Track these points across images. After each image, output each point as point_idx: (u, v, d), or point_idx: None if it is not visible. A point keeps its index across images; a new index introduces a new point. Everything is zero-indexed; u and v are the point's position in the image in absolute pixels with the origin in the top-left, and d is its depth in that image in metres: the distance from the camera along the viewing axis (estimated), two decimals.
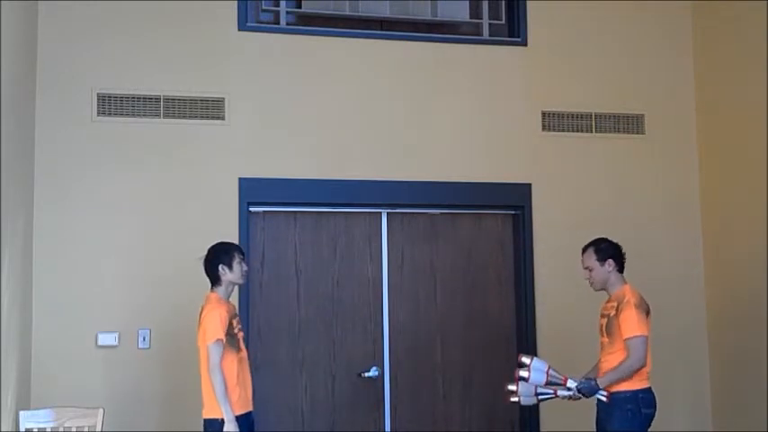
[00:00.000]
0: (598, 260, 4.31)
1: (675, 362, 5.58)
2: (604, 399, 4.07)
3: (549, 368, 4.09)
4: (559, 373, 4.11)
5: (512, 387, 4.10)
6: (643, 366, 4.12)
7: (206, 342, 4.01)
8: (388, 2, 5.58)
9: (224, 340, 4.02)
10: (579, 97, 5.75)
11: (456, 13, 5.72)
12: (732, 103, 5.60)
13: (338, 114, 5.41)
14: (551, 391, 4.11)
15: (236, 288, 4.55)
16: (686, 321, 5.71)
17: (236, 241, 4.79)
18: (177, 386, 4.91)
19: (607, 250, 4.32)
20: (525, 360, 4.10)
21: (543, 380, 4.07)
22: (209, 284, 4.21)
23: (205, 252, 4.24)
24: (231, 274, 4.19)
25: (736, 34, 5.57)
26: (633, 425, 4.10)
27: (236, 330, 4.12)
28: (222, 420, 3.98)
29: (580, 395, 4.11)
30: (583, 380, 4.11)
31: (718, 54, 5.75)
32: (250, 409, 4.17)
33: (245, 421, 4.09)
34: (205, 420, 4.07)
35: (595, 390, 4.07)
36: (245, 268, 4.27)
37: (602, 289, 4.36)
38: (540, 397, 4.12)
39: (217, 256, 4.20)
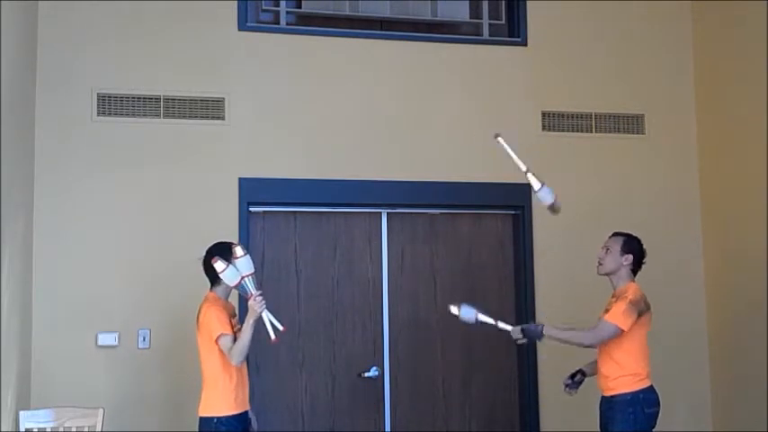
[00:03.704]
0: (621, 249, 4.30)
1: (675, 362, 5.58)
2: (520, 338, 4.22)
3: (476, 314, 4.27)
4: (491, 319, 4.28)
5: (453, 309, 4.26)
6: (591, 346, 4.17)
7: (213, 341, 4.03)
8: (388, 2, 5.58)
9: (229, 333, 4.02)
10: (579, 97, 5.75)
11: (456, 13, 5.72)
12: (732, 103, 5.60)
13: (338, 114, 5.41)
14: (492, 320, 4.27)
15: None
16: (686, 321, 5.71)
17: (235, 241, 4.79)
18: (177, 386, 4.91)
19: (634, 247, 4.32)
20: (453, 310, 4.28)
21: (473, 318, 4.25)
22: (209, 284, 4.23)
23: (204, 252, 4.24)
24: None
25: (736, 34, 5.57)
26: (637, 426, 4.09)
27: (234, 330, 4.13)
28: (216, 419, 4.01)
29: (523, 337, 4.22)
30: (532, 325, 4.24)
31: (718, 54, 5.75)
32: (247, 408, 4.18)
33: (241, 420, 4.10)
34: (200, 418, 4.09)
35: (539, 336, 4.17)
36: None
37: (606, 274, 4.34)
38: (480, 318, 4.26)
39: (215, 256, 4.20)
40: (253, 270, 4.01)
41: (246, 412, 4.18)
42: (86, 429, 4.43)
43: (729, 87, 5.63)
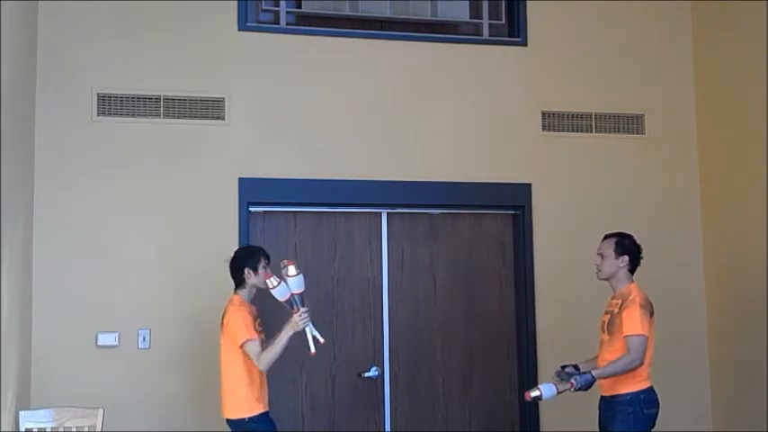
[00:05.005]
0: (615, 252, 4.28)
1: (675, 362, 5.57)
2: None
3: (555, 385, 4.08)
4: (565, 383, 4.09)
5: (534, 393, 4.03)
6: (640, 365, 4.09)
7: (237, 347, 4.08)
8: (388, 2, 5.58)
9: (255, 338, 4.08)
10: (579, 97, 5.75)
11: (456, 13, 5.71)
12: (732, 103, 5.60)
13: (338, 114, 5.41)
14: (566, 387, 4.06)
15: None
16: (686, 321, 5.70)
17: (236, 241, 4.80)
18: (177, 386, 4.92)
19: (627, 247, 4.29)
20: (534, 394, 4.04)
21: (555, 391, 4.04)
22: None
23: (231, 255, 4.31)
24: (255, 278, 4.26)
25: (736, 34, 5.57)
26: (636, 427, 4.09)
27: (257, 331, 4.17)
28: (248, 419, 4.08)
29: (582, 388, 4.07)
30: (578, 376, 4.07)
31: (718, 54, 5.75)
32: (267, 408, 4.24)
33: (266, 419, 4.16)
34: (231, 422, 4.15)
35: (592, 382, 4.05)
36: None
37: (605, 279, 4.33)
38: (560, 388, 4.05)
39: (242, 259, 4.24)
40: (303, 289, 4.09)
41: (268, 412, 4.23)
42: (86, 429, 4.43)
43: (729, 87, 5.63)
